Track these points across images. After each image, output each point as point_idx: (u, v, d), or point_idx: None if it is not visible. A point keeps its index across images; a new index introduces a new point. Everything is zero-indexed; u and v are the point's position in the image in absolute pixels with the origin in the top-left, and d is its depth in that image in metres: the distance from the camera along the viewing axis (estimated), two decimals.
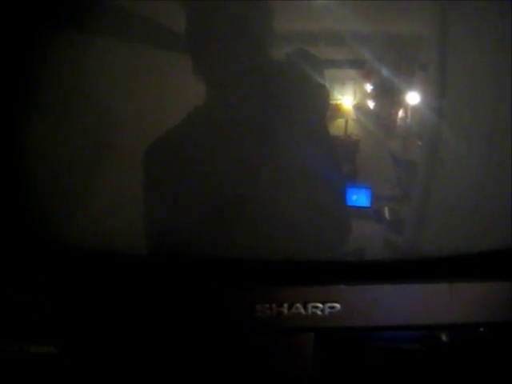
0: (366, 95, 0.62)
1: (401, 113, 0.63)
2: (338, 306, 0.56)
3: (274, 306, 0.56)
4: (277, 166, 0.62)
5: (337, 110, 0.62)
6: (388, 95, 0.63)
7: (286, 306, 0.56)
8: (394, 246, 0.66)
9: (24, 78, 0.58)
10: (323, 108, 0.61)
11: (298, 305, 0.56)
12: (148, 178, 0.61)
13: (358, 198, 0.64)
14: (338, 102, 0.61)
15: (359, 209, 0.65)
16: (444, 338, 0.67)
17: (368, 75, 0.62)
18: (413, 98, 0.63)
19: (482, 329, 0.64)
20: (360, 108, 0.62)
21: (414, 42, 0.64)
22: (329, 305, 0.56)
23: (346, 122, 0.62)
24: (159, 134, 0.59)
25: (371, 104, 0.63)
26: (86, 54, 0.59)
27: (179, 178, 0.62)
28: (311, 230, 0.62)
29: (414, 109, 0.63)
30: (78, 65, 0.59)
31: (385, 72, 0.61)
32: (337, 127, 0.63)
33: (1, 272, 0.55)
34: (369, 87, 0.62)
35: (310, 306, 0.56)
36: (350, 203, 0.64)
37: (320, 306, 0.56)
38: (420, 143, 0.66)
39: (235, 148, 0.62)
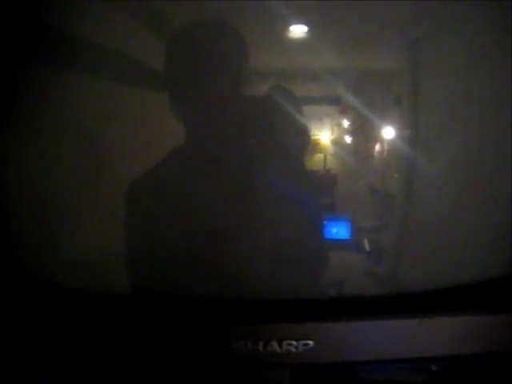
0: (343, 130, 0.63)
1: (377, 146, 0.64)
2: (311, 342, 0.56)
3: (250, 343, 0.56)
4: (256, 201, 0.62)
5: (315, 146, 0.63)
6: (364, 130, 0.64)
7: (261, 343, 0.56)
8: (375, 276, 0.67)
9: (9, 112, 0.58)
10: (303, 143, 0.62)
11: (273, 342, 0.56)
12: (131, 216, 0.60)
13: (338, 230, 0.65)
14: (317, 137, 0.62)
15: (339, 241, 0.65)
16: (433, 367, 0.68)
17: (344, 111, 0.63)
18: (388, 131, 0.64)
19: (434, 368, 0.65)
20: (338, 143, 0.63)
21: (387, 76, 0.66)
22: (302, 342, 0.56)
23: (325, 157, 0.63)
24: (141, 173, 0.59)
25: (348, 139, 0.64)
26: (66, 91, 0.59)
27: (160, 215, 0.61)
28: (289, 266, 0.63)
29: (390, 142, 0.64)
30: (61, 102, 0.59)
31: (360, 107, 0.63)
32: (316, 162, 0.63)
33: None
34: (345, 122, 0.63)
35: (284, 343, 0.56)
36: (330, 236, 0.65)
37: (294, 343, 0.56)
38: (397, 175, 0.68)
39: (216, 184, 0.62)
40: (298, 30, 0.61)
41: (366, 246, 0.66)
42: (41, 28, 0.57)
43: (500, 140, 0.63)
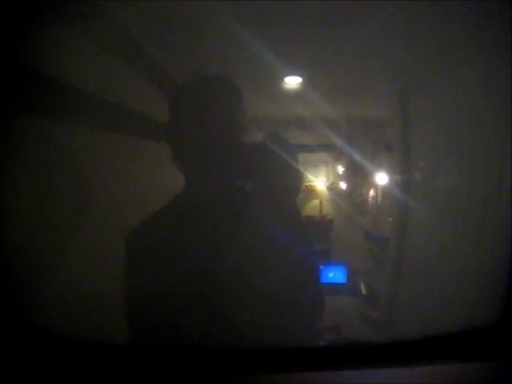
0: (338, 177, 0.65)
1: (371, 192, 0.66)
2: None
3: None
4: (253, 247, 0.62)
5: (311, 192, 0.64)
6: (358, 176, 0.66)
7: None
8: (370, 321, 0.67)
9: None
10: (299, 189, 0.64)
11: None
12: (129, 263, 0.60)
13: (335, 275, 0.65)
14: (312, 183, 0.64)
15: (335, 285, 0.66)
16: None
17: (339, 158, 0.65)
18: (381, 176, 0.66)
19: None
20: (333, 189, 0.65)
21: (379, 124, 0.68)
22: None
23: (321, 202, 0.64)
24: (141, 220, 0.60)
25: (343, 185, 0.66)
26: (67, 141, 0.60)
27: (158, 262, 0.61)
28: (286, 314, 0.63)
29: (383, 187, 0.66)
30: (63, 151, 0.60)
31: (354, 154, 0.65)
32: (312, 208, 0.65)
33: None
34: (340, 169, 0.65)
35: None
36: (326, 280, 0.65)
37: None
38: (390, 219, 0.69)
39: (213, 230, 0.62)
40: (292, 82, 0.63)
41: (363, 289, 0.67)
42: (44, 79, 0.59)
43: (489, 185, 0.65)
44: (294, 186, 0.63)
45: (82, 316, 0.60)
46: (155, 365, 0.56)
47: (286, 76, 0.63)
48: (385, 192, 0.66)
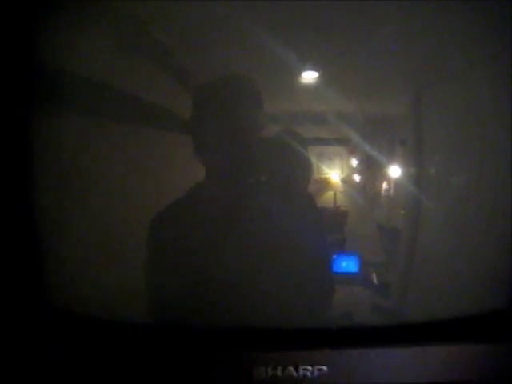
0: (352, 169, 0.67)
1: (385, 185, 0.68)
2: (325, 368, 0.60)
3: (270, 369, 0.59)
4: (270, 237, 0.65)
5: (326, 184, 0.66)
6: (372, 169, 0.68)
7: (279, 368, 0.59)
8: (381, 309, 0.69)
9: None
10: (313, 181, 0.66)
11: (291, 368, 0.59)
12: (152, 251, 0.63)
13: (348, 264, 0.68)
14: (327, 175, 0.66)
15: (348, 275, 0.68)
16: None
17: (353, 151, 0.67)
18: (394, 170, 0.68)
19: None
20: (347, 181, 0.67)
21: (393, 120, 0.70)
22: (317, 367, 0.60)
23: (335, 194, 0.67)
24: (162, 210, 0.63)
25: (357, 177, 0.68)
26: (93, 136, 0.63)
27: (181, 250, 0.64)
28: (300, 299, 0.65)
29: (396, 180, 0.68)
30: (81, 145, 0.63)
31: (368, 148, 0.67)
32: (326, 199, 0.67)
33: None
34: (354, 162, 0.67)
35: (300, 368, 0.59)
36: (339, 270, 0.68)
37: (309, 368, 0.60)
38: (403, 212, 0.71)
39: (231, 221, 0.65)
40: (309, 77, 0.65)
41: (374, 279, 0.69)
42: (68, 76, 0.62)
43: (498, 181, 0.67)
44: (305, 176, 0.66)
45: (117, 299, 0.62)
46: (188, 344, 0.59)
47: (302, 71, 0.65)
48: (398, 185, 0.68)
